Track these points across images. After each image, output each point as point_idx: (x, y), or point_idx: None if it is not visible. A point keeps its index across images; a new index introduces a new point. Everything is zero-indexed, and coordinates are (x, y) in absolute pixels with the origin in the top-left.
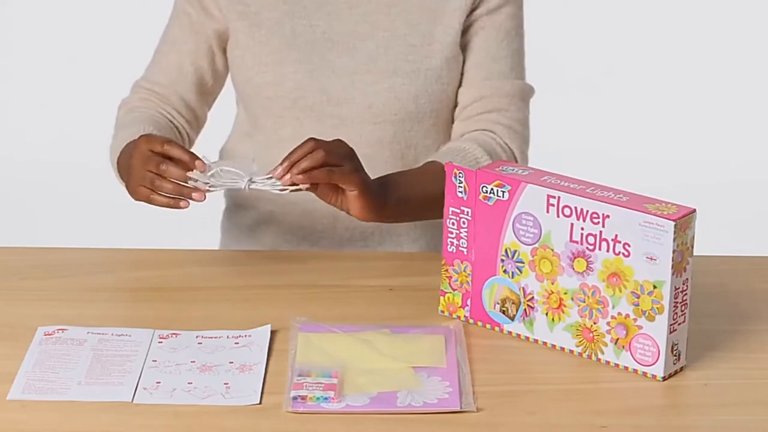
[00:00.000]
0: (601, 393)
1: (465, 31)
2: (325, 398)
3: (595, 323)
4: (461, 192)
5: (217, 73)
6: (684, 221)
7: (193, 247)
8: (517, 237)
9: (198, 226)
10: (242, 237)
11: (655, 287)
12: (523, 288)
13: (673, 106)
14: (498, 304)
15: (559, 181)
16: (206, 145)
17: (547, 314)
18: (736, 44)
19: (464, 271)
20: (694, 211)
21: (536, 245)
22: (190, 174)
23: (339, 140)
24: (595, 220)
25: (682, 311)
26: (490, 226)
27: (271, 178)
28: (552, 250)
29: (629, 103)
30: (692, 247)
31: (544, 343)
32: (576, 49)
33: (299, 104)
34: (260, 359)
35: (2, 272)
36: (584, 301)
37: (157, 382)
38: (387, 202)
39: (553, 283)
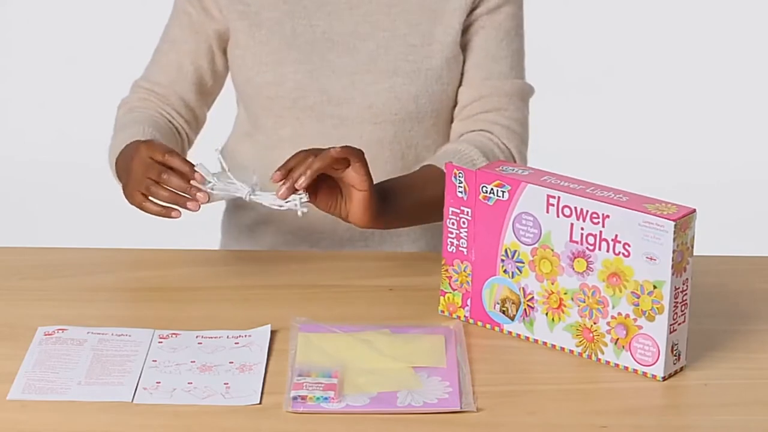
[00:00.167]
0: (601, 393)
1: (465, 30)
2: (325, 398)
3: (595, 323)
4: (461, 192)
5: (217, 74)
6: (684, 221)
7: (193, 247)
8: (517, 237)
9: (198, 226)
10: (242, 237)
11: (655, 287)
12: (523, 288)
13: (673, 106)
14: (498, 304)
15: (559, 181)
16: (206, 145)
17: (547, 314)
18: (736, 44)
19: (464, 271)
20: (694, 211)
21: (536, 245)
22: (192, 182)
23: (347, 146)
24: (595, 220)
25: (682, 311)
26: (490, 226)
27: (272, 193)
28: (552, 250)
29: (629, 103)
30: (692, 247)
31: (544, 343)
32: (576, 49)
33: (299, 104)
34: (260, 359)
35: (2, 272)
36: (584, 301)
37: (157, 382)
38: (386, 209)
39: (553, 283)
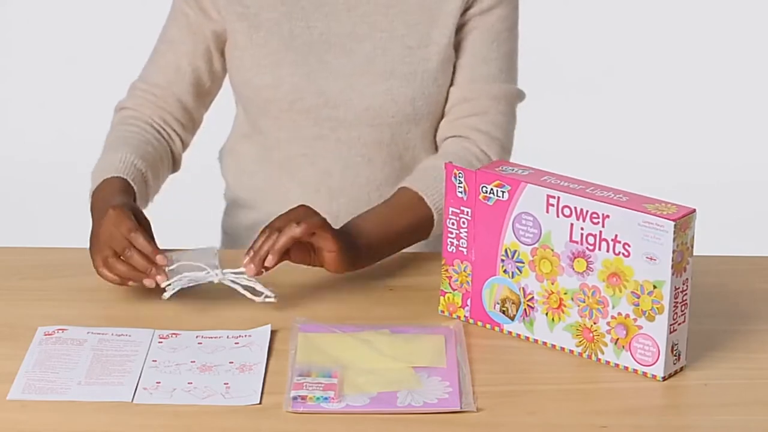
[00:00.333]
0: (601, 393)
1: (457, 30)
2: (325, 398)
3: (595, 323)
4: (461, 192)
5: (215, 75)
6: (684, 221)
7: (193, 247)
8: (517, 237)
9: (198, 226)
10: (242, 237)
11: (655, 287)
12: (523, 288)
13: (673, 107)
14: (498, 304)
15: (559, 181)
16: (205, 146)
17: (547, 314)
18: (736, 45)
19: (464, 271)
20: (694, 211)
21: (536, 245)
22: (158, 258)
23: (300, 207)
24: (595, 220)
25: (682, 311)
26: (490, 226)
27: (242, 271)
28: (552, 250)
29: (629, 103)
30: (692, 247)
31: (544, 343)
32: (576, 49)
33: (296, 106)
34: (260, 359)
35: (2, 272)
36: (584, 301)
37: (157, 382)
38: (359, 255)
39: (553, 283)
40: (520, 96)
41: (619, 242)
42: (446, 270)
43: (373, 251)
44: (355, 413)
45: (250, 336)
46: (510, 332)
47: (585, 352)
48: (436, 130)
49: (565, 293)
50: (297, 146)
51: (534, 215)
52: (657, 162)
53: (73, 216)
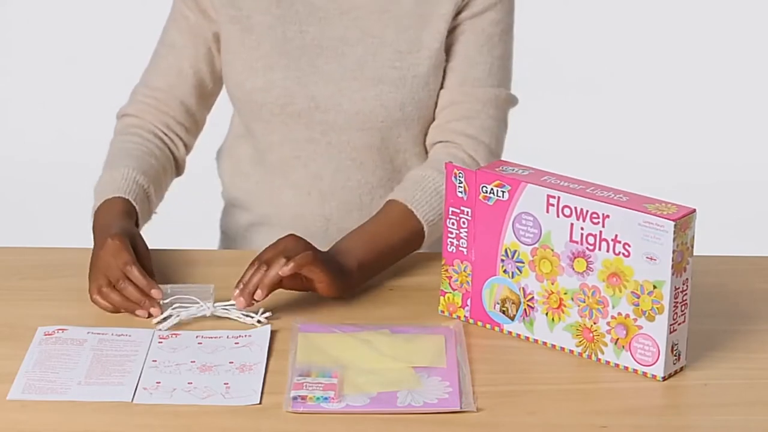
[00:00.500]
0: (601, 393)
1: (449, 33)
2: (325, 398)
3: (595, 323)
4: (461, 192)
5: (217, 76)
6: (684, 221)
7: (193, 247)
8: (517, 237)
9: (198, 226)
10: (239, 238)
11: (655, 287)
12: (523, 288)
13: (673, 107)
14: (498, 304)
15: (559, 181)
16: (205, 146)
17: (547, 314)
18: (736, 45)
19: (464, 271)
20: (694, 211)
21: (536, 245)
22: (152, 292)
23: (288, 237)
24: (595, 220)
25: (682, 311)
26: (490, 226)
27: (233, 304)
28: (552, 250)
29: (629, 103)
30: (692, 247)
31: (544, 343)
32: (576, 49)
33: (287, 110)
34: (260, 359)
35: (2, 272)
36: (584, 301)
37: (157, 382)
38: (351, 277)
39: (553, 283)
40: (511, 101)
41: (619, 242)
42: (446, 270)
43: (365, 271)
44: (355, 413)
45: (250, 336)
46: (510, 332)
47: (585, 352)
48: (426, 135)
49: (565, 293)
50: (289, 149)
51: (534, 215)
52: (657, 162)
53: (73, 216)
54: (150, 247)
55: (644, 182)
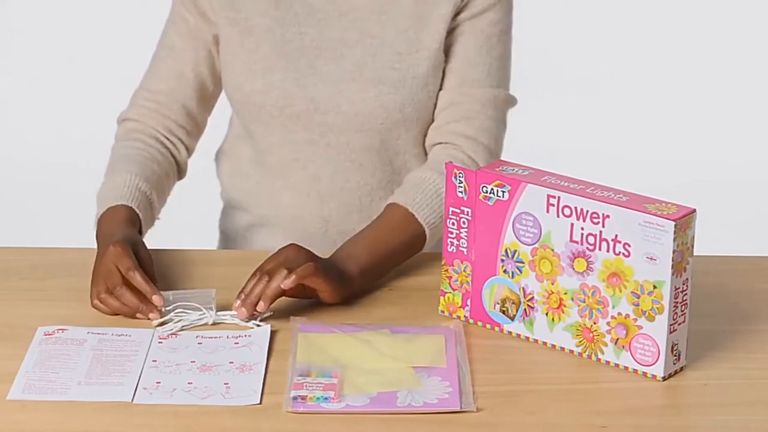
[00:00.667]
0: (601, 393)
1: (448, 34)
2: (325, 398)
3: (595, 323)
4: (461, 192)
5: (217, 78)
6: (684, 221)
7: (193, 247)
8: (517, 237)
9: (198, 226)
10: (238, 238)
11: (655, 287)
12: (523, 288)
13: (673, 106)
14: (498, 304)
15: (559, 181)
16: (205, 146)
17: (547, 314)
18: (736, 44)
19: (464, 271)
20: (694, 211)
21: (536, 245)
22: (154, 298)
23: (290, 247)
24: (595, 220)
25: (682, 311)
26: (490, 226)
27: (235, 314)
28: (552, 250)
29: (629, 103)
30: (692, 247)
31: (544, 343)
32: (576, 49)
33: (286, 112)
34: (260, 359)
35: (2, 272)
36: (584, 301)
37: (157, 382)
38: (353, 283)
39: (553, 283)
40: (510, 101)
41: (620, 242)
42: (446, 270)
43: (367, 276)
44: (355, 413)
45: (250, 336)
46: (510, 332)
47: (585, 352)
48: (426, 136)
49: (565, 293)
50: (288, 151)
51: (534, 215)
52: (657, 162)
53: (73, 216)
54: (149, 248)
55: (644, 182)
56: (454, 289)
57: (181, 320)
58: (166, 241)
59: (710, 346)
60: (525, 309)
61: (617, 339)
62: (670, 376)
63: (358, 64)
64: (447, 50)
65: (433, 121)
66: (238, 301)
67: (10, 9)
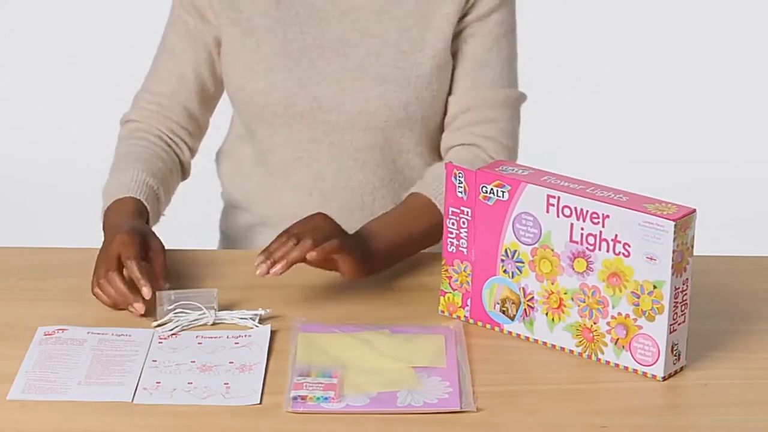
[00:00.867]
0: (601, 393)
1: (455, 37)
2: (325, 398)
3: (595, 323)
4: (461, 192)
5: (218, 79)
6: (684, 221)
7: (193, 247)
8: (517, 237)
9: (197, 226)
10: (238, 238)
11: (655, 287)
12: (523, 288)
13: (673, 107)
14: (498, 304)
15: (559, 181)
16: (206, 146)
17: (547, 314)
18: (736, 44)
19: (464, 271)
20: (694, 211)
21: (536, 245)
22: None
23: (318, 216)
24: (595, 220)
25: (682, 311)
26: (490, 226)
27: (235, 313)
28: (552, 250)
29: (629, 103)
30: (692, 247)
31: (544, 343)
32: (576, 49)
33: (290, 112)
34: (260, 359)
35: (2, 272)
36: (584, 301)
37: (157, 382)
38: (376, 259)
39: (553, 283)
40: (522, 99)
41: (619, 242)
42: (446, 270)
43: (390, 255)
44: (355, 413)
45: (250, 336)
46: (510, 332)
47: (585, 352)
48: (429, 135)
49: (565, 293)
50: (291, 150)
51: (534, 215)
52: (657, 162)
53: (73, 216)
54: None
55: (644, 182)
56: (454, 289)
57: (180, 320)
58: (167, 241)
59: (710, 346)
60: (525, 309)
61: (617, 339)
62: (670, 376)
63: (362, 63)
64: (456, 53)
65: (437, 120)
66: (261, 257)
67: (10, 9)
